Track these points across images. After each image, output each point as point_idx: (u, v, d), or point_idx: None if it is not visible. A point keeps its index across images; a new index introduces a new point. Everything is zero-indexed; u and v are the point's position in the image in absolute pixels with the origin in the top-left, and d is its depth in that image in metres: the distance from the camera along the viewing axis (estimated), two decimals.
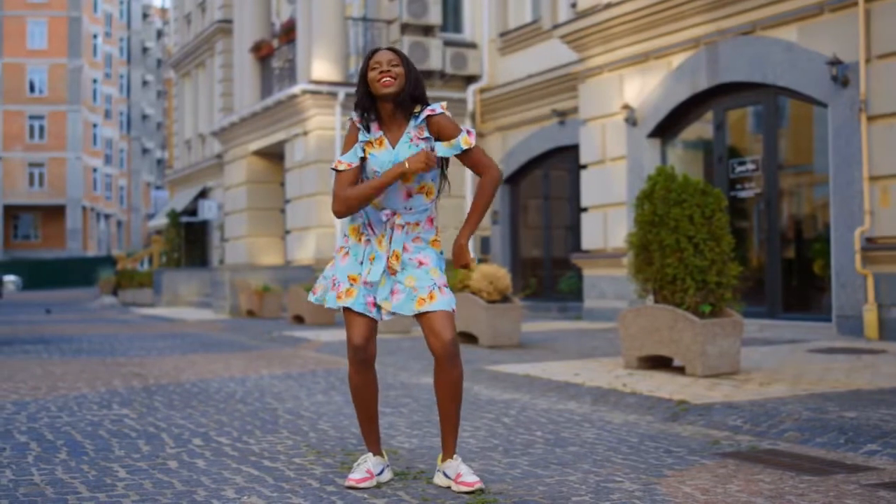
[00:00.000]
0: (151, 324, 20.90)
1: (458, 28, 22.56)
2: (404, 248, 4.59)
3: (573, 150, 17.75)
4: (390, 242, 4.58)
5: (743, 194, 13.48)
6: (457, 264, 4.63)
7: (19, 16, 71.01)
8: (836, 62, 11.59)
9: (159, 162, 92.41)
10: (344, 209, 4.54)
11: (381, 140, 4.58)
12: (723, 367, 8.10)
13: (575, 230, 18.05)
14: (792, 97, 12.80)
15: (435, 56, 21.42)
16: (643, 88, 14.72)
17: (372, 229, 4.63)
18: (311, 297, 4.78)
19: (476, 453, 5.40)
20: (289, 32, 23.71)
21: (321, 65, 21.35)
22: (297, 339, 14.07)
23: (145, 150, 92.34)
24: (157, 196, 53.38)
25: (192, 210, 34.01)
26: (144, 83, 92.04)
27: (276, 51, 24.54)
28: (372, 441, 4.75)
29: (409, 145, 4.54)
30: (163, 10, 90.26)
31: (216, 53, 31.50)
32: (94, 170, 76.09)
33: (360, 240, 4.66)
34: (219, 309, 23.59)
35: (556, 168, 19.39)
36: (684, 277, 8.20)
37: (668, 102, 14.30)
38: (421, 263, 4.59)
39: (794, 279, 13.08)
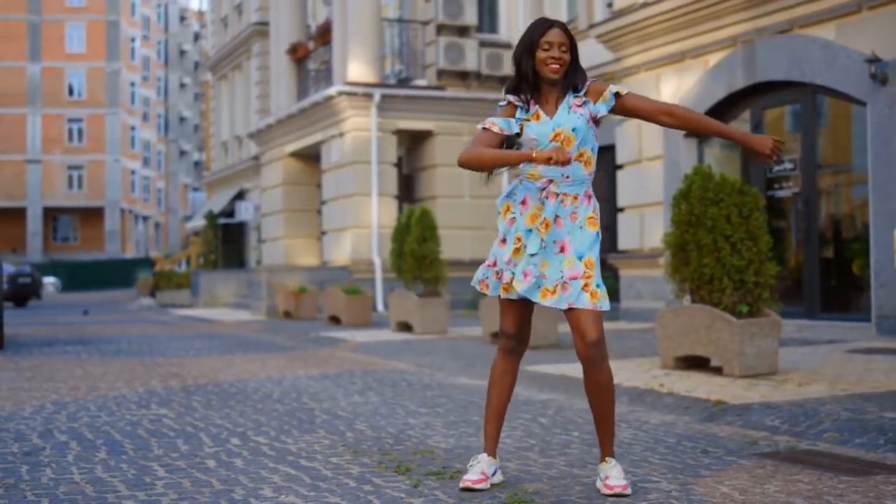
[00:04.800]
0: (189, 325, 21.05)
1: (493, 28, 22.57)
2: (557, 223, 4.42)
3: (609, 150, 17.69)
4: (542, 212, 4.40)
5: (781, 194, 13.39)
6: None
7: (58, 20, 71.62)
8: (874, 60, 11.49)
9: (196, 164, 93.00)
10: (468, 161, 4.38)
11: (538, 114, 4.46)
12: (760, 368, 8.05)
13: (611, 230, 17.99)
14: (830, 96, 12.70)
15: (471, 57, 21.44)
16: (679, 88, 14.65)
17: (525, 204, 4.46)
18: (479, 287, 4.58)
19: (513, 453, 5.40)
20: (325, 34, 23.80)
21: (357, 66, 21.41)
22: (334, 340, 14.11)
23: (183, 153, 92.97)
24: (195, 198, 53.70)
25: (229, 211, 34.23)
26: (182, 86, 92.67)
27: (312, 52, 24.65)
28: (491, 441, 4.64)
29: (568, 112, 4.45)
30: (200, 13, 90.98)
31: (253, 55, 31.68)
32: (133, 172, 76.67)
33: (507, 221, 4.48)
34: (255, 310, 23.72)
35: None
36: (721, 277, 8.15)
37: (704, 102, 14.22)
38: (561, 250, 4.42)
39: (832, 279, 12.97)
